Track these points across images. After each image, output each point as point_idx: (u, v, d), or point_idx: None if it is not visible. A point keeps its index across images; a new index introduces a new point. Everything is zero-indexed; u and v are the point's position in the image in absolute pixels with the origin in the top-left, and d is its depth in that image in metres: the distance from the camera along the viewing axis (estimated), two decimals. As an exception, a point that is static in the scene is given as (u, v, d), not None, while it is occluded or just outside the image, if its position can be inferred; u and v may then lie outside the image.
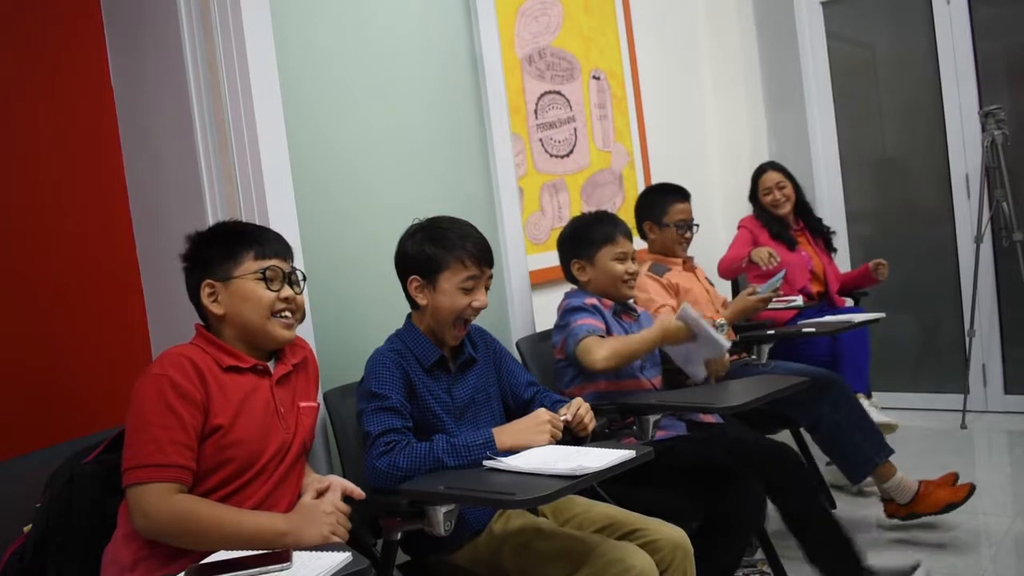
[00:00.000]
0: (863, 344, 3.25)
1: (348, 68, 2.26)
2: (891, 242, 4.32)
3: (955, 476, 2.71)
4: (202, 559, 1.33)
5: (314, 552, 1.35)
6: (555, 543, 1.74)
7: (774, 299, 2.89)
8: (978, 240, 3.80)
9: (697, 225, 2.99)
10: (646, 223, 3.00)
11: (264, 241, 1.65)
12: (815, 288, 3.46)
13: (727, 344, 2.32)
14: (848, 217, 4.38)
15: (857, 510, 2.96)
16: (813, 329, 2.78)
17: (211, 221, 1.94)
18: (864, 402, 2.93)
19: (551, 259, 2.56)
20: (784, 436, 2.85)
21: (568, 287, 2.55)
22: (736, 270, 3.43)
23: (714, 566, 1.96)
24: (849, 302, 3.65)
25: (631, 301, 2.51)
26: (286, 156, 2.00)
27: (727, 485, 2.05)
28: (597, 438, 1.91)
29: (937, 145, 4.09)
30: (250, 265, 1.61)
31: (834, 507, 2.90)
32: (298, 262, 1.79)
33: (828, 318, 3.05)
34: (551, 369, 2.43)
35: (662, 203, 2.95)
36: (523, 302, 2.70)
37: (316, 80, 2.17)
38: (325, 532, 1.46)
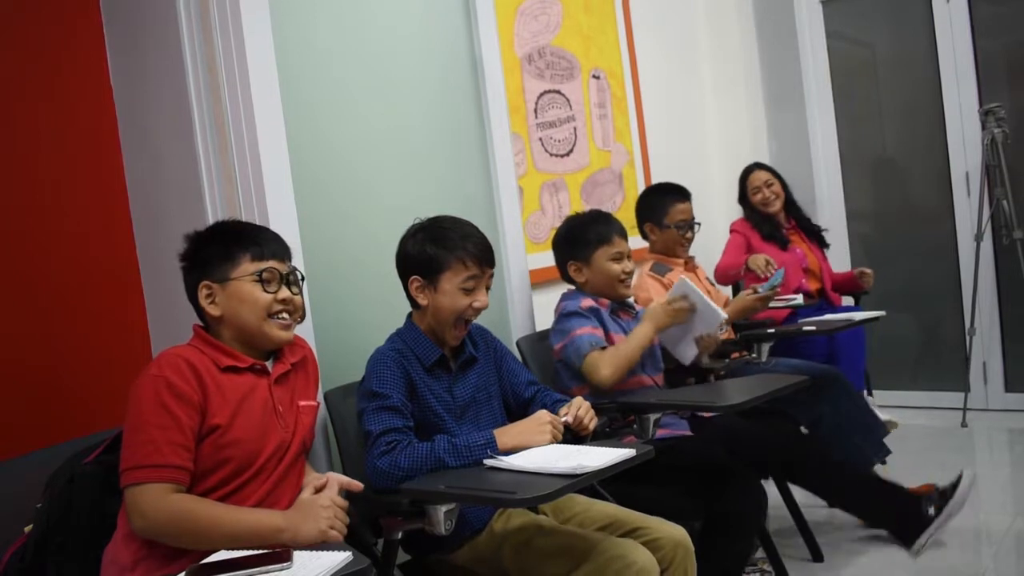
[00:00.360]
0: (860, 343, 3.25)
1: (348, 68, 2.26)
2: (891, 241, 4.32)
3: (933, 488, 2.62)
4: (202, 559, 1.33)
5: (314, 552, 1.34)
6: (556, 540, 1.74)
7: (774, 298, 2.90)
8: (978, 238, 3.79)
9: (699, 224, 2.99)
10: (647, 224, 3.00)
11: (261, 242, 1.64)
12: (812, 285, 3.46)
13: (724, 315, 2.35)
14: (848, 216, 4.38)
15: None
16: (814, 328, 2.78)
17: (211, 221, 1.94)
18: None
19: (551, 258, 2.56)
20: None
21: (566, 287, 2.55)
22: (734, 277, 3.42)
23: (715, 566, 1.96)
24: (848, 301, 3.65)
25: (630, 300, 2.51)
26: (286, 156, 2.00)
27: (727, 484, 2.05)
28: (598, 437, 1.91)
29: (937, 143, 4.08)
30: (247, 267, 1.61)
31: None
32: (298, 262, 1.79)
33: (828, 316, 3.05)
34: (551, 368, 2.43)
35: (663, 204, 2.95)
36: (523, 301, 2.70)
37: (316, 80, 2.17)
38: (323, 526, 1.45)
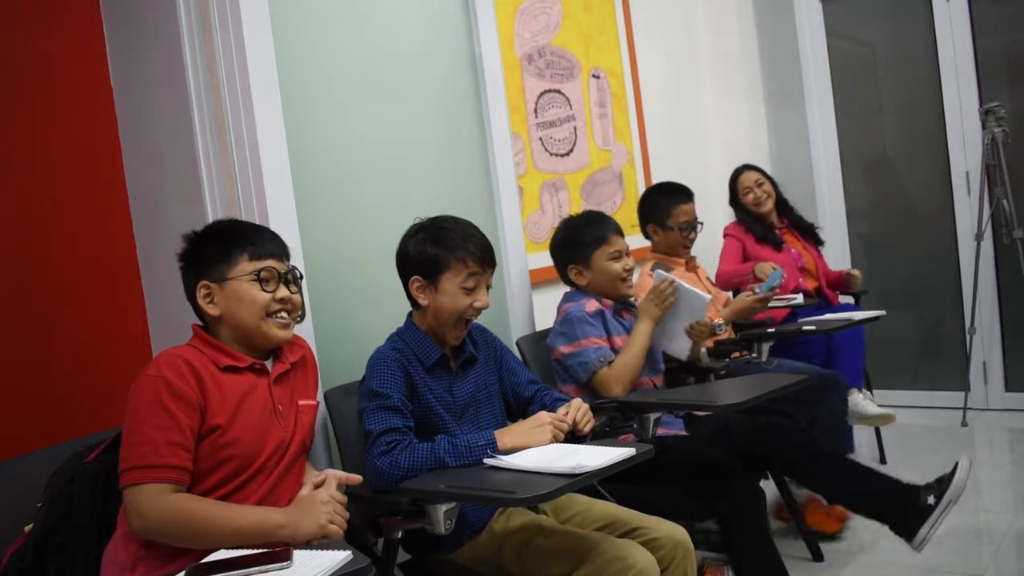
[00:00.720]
0: (859, 342, 3.25)
1: (348, 67, 2.26)
2: (891, 240, 4.32)
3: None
4: (201, 559, 1.33)
5: (314, 551, 1.34)
6: (556, 541, 1.74)
7: (774, 298, 2.89)
8: (979, 237, 3.79)
9: (701, 224, 2.99)
10: (650, 225, 3.00)
11: (259, 241, 1.64)
12: (810, 284, 3.46)
13: (708, 297, 2.35)
14: (848, 215, 4.38)
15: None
16: (813, 327, 2.78)
17: (211, 221, 1.94)
18: (858, 396, 2.94)
19: (551, 258, 2.57)
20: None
21: (566, 287, 2.55)
22: (738, 284, 3.41)
23: (747, 560, 2.00)
24: (849, 300, 3.65)
25: (632, 299, 2.51)
26: (286, 156, 2.00)
27: (726, 483, 2.05)
28: (597, 436, 1.91)
29: (937, 143, 4.08)
30: (245, 266, 1.61)
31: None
32: (298, 262, 1.79)
33: (827, 316, 3.05)
34: (551, 367, 2.43)
35: (666, 205, 2.95)
36: (523, 301, 2.70)
37: (315, 80, 2.17)
38: (322, 521, 1.45)
